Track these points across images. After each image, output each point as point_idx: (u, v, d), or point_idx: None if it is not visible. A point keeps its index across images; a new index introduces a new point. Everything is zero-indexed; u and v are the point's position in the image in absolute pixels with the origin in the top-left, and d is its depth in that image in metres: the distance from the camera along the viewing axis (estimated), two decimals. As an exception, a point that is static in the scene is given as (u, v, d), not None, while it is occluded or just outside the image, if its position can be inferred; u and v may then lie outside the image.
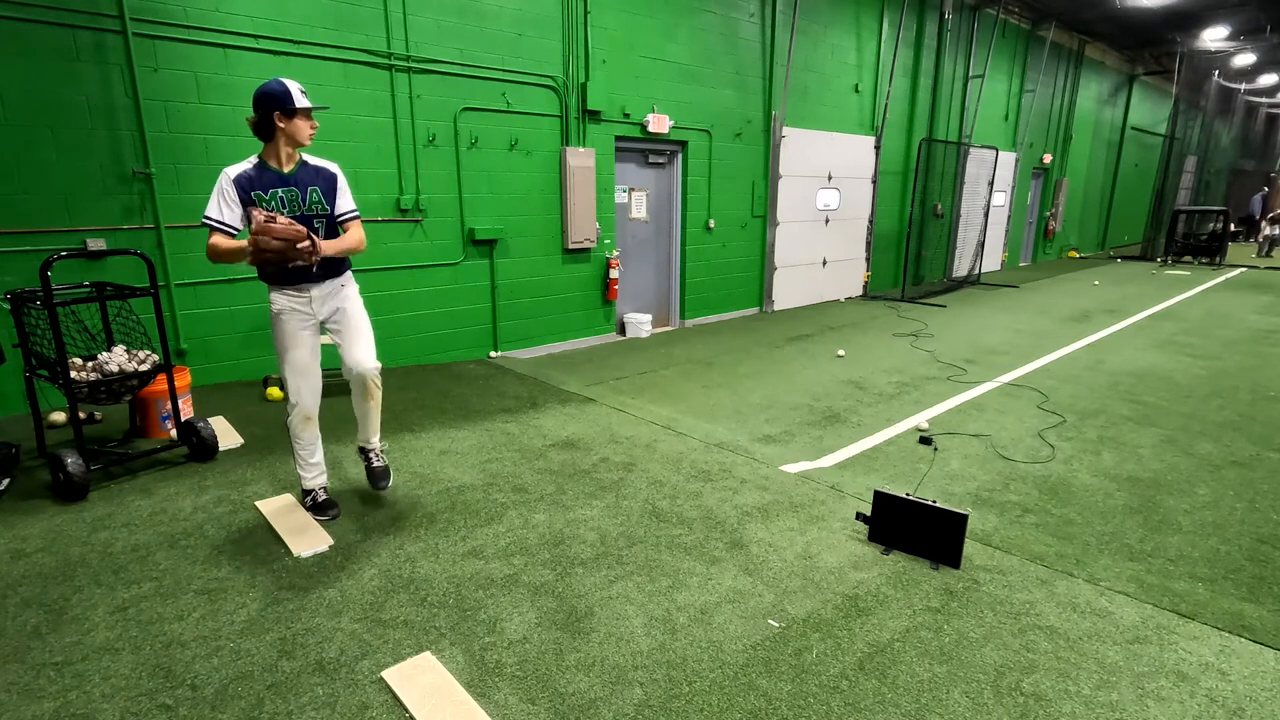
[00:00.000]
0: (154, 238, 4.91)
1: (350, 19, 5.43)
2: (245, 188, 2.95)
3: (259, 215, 2.79)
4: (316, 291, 3.14)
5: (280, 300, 3.11)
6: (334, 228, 3.18)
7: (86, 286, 4.02)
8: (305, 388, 3.20)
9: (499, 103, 6.31)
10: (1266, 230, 17.47)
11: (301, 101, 2.96)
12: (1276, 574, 2.96)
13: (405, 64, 5.73)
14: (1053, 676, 2.32)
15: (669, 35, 7.46)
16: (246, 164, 3.01)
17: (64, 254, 3.67)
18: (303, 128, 3.00)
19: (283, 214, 2.96)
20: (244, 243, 2.83)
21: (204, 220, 2.94)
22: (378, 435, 3.52)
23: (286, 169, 3.05)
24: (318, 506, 3.39)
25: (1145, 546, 3.18)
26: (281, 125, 2.95)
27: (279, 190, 3.01)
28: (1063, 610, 2.68)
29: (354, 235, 3.18)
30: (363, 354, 3.25)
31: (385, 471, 3.54)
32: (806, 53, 9.04)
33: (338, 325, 3.24)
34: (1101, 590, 2.82)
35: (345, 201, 3.19)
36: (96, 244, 4.67)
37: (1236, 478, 3.94)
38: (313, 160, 3.15)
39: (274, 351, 3.26)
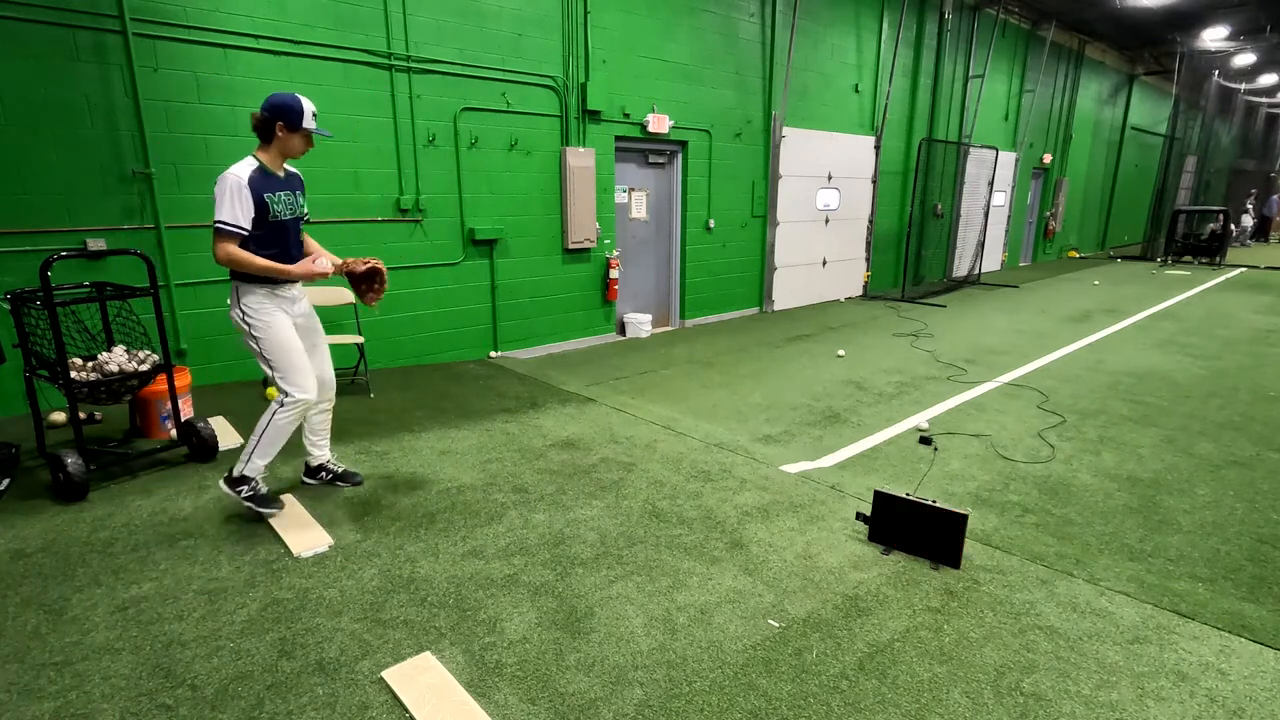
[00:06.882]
0: (154, 238, 4.91)
1: (350, 19, 5.43)
2: (259, 190, 3.04)
3: (373, 263, 3.38)
4: (296, 291, 3.30)
5: (267, 302, 3.16)
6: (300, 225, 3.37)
7: (86, 286, 4.01)
8: (312, 380, 3.28)
9: (499, 103, 6.31)
10: (1247, 220, 17.49)
11: (309, 124, 3.11)
12: (1276, 574, 2.96)
13: (405, 64, 5.73)
14: (1053, 676, 2.32)
15: (669, 35, 7.46)
16: (249, 167, 3.06)
17: (64, 254, 3.67)
18: (299, 145, 3.16)
19: (286, 217, 3.16)
20: (310, 268, 3.16)
21: (222, 225, 2.97)
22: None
23: (281, 174, 3.20)
24: (262, 499, 3.30)
25: (1145, 546, 3.18)
26: (280, 136, 3.10)
27: (281, 194, 3.15)
28: (1063, 610, 2.68)
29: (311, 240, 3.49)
30: (330, 363, 3.52)
31: (352, 472, 3.77)
32: (806, 53, 9.04)
33: (301, 334, 3.34)
34: (1101, 590, 2.82)
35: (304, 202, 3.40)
36: (96, 244, 4.67)
37: (1236, 478, 3.94)
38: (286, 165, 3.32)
39: (256, 353, 3.24)
